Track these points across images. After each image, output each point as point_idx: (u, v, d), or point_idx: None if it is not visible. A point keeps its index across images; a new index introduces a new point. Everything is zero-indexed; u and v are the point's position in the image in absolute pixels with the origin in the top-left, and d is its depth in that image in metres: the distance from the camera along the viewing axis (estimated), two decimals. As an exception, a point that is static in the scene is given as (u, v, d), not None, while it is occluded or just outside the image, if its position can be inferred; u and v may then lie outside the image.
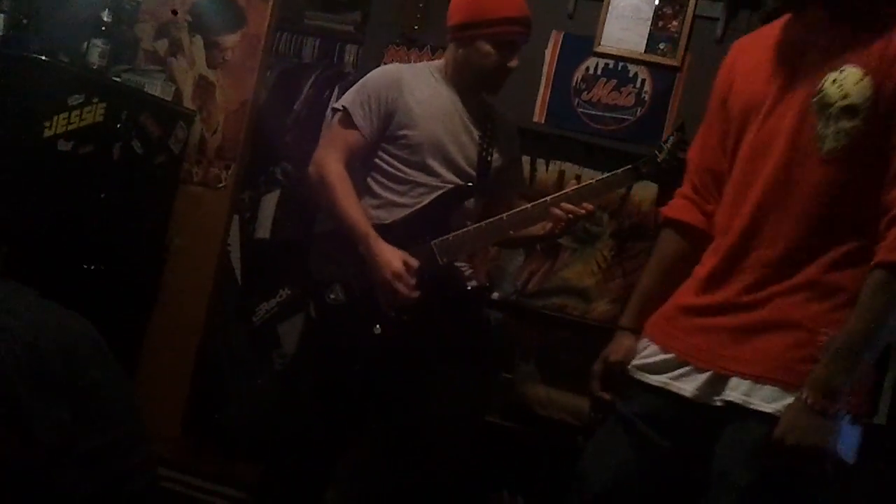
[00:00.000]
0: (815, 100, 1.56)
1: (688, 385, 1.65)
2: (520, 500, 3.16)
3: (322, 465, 2.47)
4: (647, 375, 1.73)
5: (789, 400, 1.50)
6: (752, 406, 1.54)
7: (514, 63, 2.37)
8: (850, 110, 1.52)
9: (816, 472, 1.46)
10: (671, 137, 2.37)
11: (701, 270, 1.73)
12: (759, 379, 1.55)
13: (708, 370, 1.62)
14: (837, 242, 1.55)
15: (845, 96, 1.52)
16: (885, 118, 1.49)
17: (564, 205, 2.29)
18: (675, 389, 1.67)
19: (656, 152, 2.37)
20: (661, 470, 1.72)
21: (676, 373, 1.68)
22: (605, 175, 2.38)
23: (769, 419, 1.50)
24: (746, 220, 1.64)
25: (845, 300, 1.52)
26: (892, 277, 1.44)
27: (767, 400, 1.53)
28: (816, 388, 1.45)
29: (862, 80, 1.51)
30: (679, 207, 1.87)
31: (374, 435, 2.70)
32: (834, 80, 1.54)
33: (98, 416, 1.79)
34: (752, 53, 1.76)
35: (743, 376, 1.57)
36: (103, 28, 3.33)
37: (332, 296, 2.32)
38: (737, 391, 1.57)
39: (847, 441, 1.50)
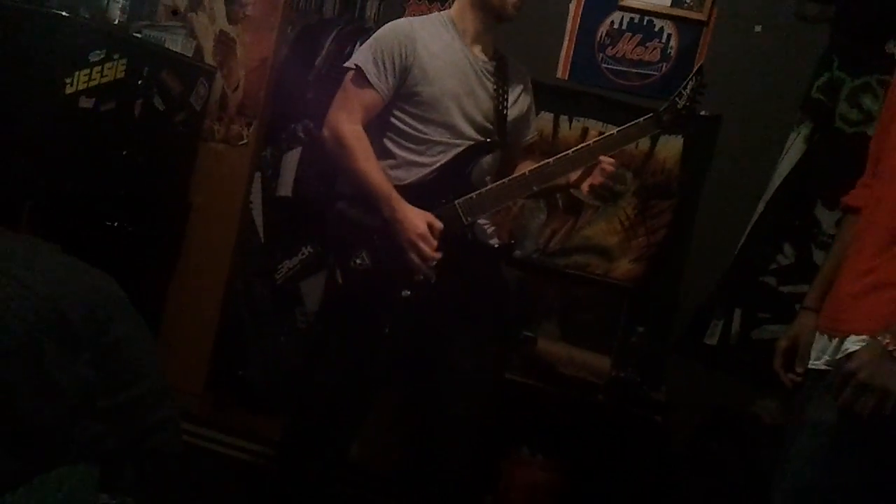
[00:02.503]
0: None
1: (821, 360, 1.74)
2: (539, 457, 3.18)
3: (348, 422, 2.48)
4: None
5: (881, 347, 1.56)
6: (842, 355, 1.63)
7: None
8: None
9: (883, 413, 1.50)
10: (689, 82, 2.36)
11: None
12: (858, 333, 1.62)
13: (834, 336, 1.70)
14: None
15: None
16: None
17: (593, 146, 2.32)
18: (814, 367, 1.77)
19: (676, 98, 2.36)
20: None
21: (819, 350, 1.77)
22: (627, 125, 2.36)
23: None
24: (881, 196, 1.71)
25: None
26: None
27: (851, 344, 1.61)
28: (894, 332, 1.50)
29: None
30: (856, 195, 1.93)
31: (399, 393, 2.72)
32: None
33: (121, 371, 1.80)
34: None
35: (847, 333, 1.65)
36: (124, -17, 3.31)
37: (357, 261, 2.31)
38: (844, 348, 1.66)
39: None
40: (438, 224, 2.26)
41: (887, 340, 1.50)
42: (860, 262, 1.69)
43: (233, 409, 3.66)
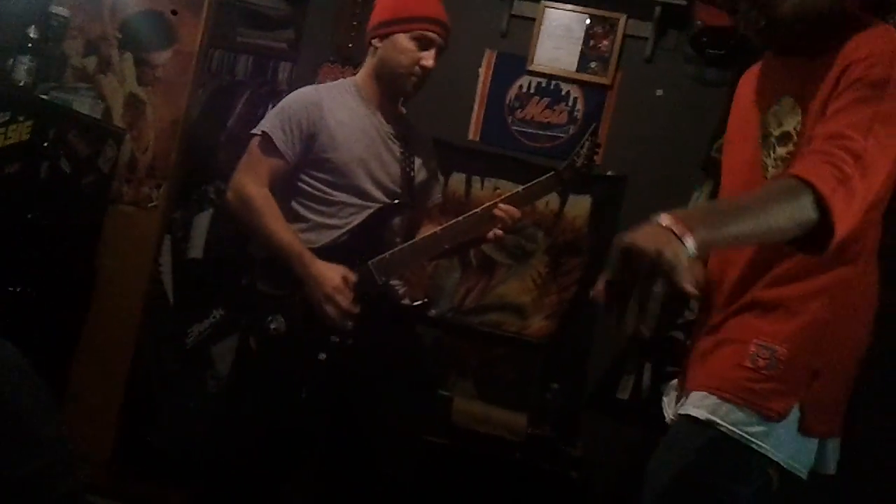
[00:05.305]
0: (760, 132, 1.63)
1: (670, 412, 1.79)
2: (458, 518, 3.15)
3: (264, 493, 2.43)
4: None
5: (715, 403, 1.57)
6: (681, 411, 1.64)
7: (429, 62, 2.39)
8: (784, 137, 1.58)
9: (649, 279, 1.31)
10: (586, 142, 2.46)
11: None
12: (698, 389, 1.63)
13: (682, 395, 1.71)
14: (779, 261, 1.59)
15: (780, 125, 1.60)
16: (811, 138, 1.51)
17: (500, 204, 2.35)
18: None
19: (574, 157, 2.45)
20: None
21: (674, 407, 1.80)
22: (531, 183, 2.44)
23: (693, 420, 1.59)
24: (721, 251, 1.73)
25: (783, 314, 1.58)
26: (800, 189, 1.36)
27: (695, 404, 1.61)
28: (676, 214, 1.36)
29: (794, 107, 1.58)
30: None
31: (318, 457, 2.68)
32: (773, 113, 1.61)
33: (24, 443, 1.74)
34: (745, 86, 1.82)
35: (691, 391, 1.65)
36: (30, 45, 3.26)
37: (272, 326, 2.30)
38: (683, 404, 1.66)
39: (792, 450, 1.56)
40: (352, 276, 2.28)
41: (667, 222, 1.33)
42: (711, 317, 1.71)
43: (141, 478, 3.54)
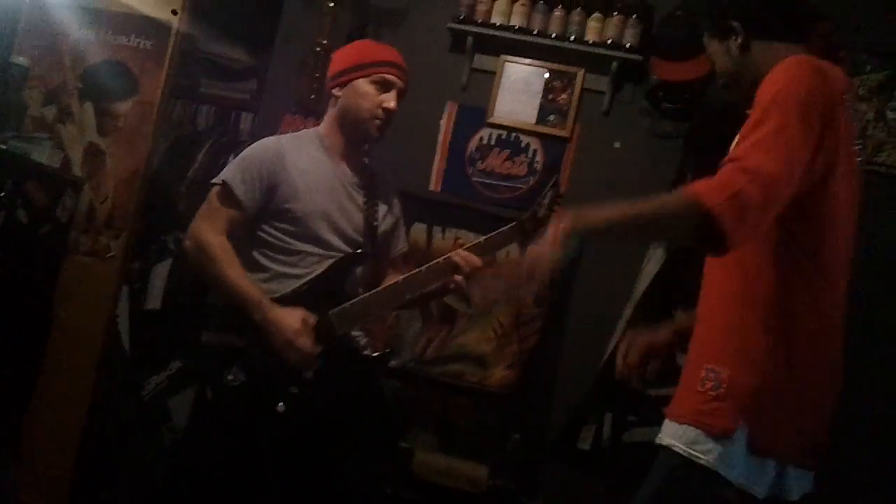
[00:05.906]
0: None
1: None
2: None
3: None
4: None
5: (675, 428, 1.67)
6: (657, 439, 1.73)
7: (390, 104, 2.41)
8: None
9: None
10: (548, 193, 2.48)
11: None
12: (667, 416, 1.74)
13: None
14: (740, 293, 1.69)
15: None
16: None
17: (460, 252, 2.34)
18: None
19: (536, 208, 2.46)
20: None
21: None
22: (492, 233, 2.43)
23: (662, 448, 1.68)
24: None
25: (727, 337, 1.68)
26: (685, 198, 1.58)
27: (663, 431, 1.71)
28: (574, 214, 1.71)
29: (735, 145, 1.70)
30: None
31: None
32: None
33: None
34: None
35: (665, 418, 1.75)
36: (-12, 94, 3.25)
37: (230, 377, 2.27)
38: None
39: (745, 469, 1.61)
40: (312, 318, 2.27)
41: (557, 220, 1.71)
42: (694, 355, 1.78)
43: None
